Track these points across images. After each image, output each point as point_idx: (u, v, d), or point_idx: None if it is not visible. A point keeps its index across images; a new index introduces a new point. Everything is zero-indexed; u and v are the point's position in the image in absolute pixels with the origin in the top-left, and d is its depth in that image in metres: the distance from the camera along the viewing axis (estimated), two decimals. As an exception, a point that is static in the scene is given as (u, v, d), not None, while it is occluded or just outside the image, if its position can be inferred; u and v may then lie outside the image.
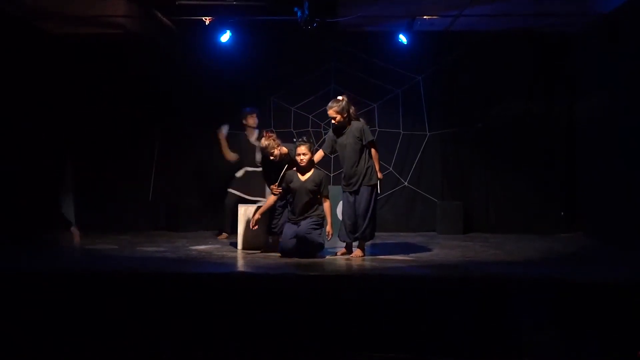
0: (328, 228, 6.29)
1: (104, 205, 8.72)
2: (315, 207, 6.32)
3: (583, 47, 8.48)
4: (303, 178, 6.32)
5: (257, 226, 6.41)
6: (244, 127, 7.97)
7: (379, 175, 6.35)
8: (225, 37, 8.48)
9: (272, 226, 6.64)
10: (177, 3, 7.82)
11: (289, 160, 6.46)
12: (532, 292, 4.84)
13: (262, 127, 7.86)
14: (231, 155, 7.98)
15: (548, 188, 8.77)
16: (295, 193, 6.32)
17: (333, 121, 6.37)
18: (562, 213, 8.72)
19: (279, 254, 6.34)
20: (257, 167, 7.51)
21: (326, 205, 6.32)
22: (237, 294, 4.99)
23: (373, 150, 6.36)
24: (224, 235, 7.93)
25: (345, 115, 6.29)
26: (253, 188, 7.73)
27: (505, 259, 6.32)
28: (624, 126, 7.22)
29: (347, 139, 6.32)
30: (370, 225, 6.32)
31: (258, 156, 7.45)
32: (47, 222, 8.05)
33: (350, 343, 4.75)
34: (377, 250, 6.92)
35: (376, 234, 6.55)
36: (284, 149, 6.47)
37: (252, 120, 7.91)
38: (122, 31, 8.72)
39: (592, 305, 4.70)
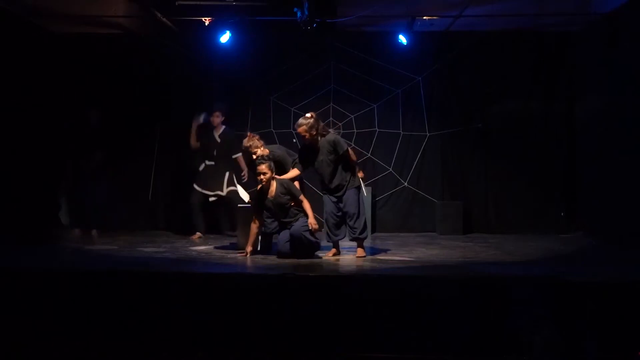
0: (310, 220, 6.16)
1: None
2: (298, 209, 6.29)
3: (583, 46, 8.48)
4: (271, 195, 6.24)
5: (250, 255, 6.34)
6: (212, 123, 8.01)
7: (360, 175, 6.49)
8: (225, 37, 8.48)
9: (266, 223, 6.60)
10: (177, 3, 7.82)
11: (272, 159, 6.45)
12: (532, 292, 4.84)
13: (261, 127, 7.85)
14: (195, 144, 7.99)
15: (548, 188, 8.77)
16: (273, 212, 6.30)
17: (303, 139, 6.40)
18: (562, 213, 8.72)
19: (276, 256, 6.30)
20: (214, 161, 7.86)
21: (304, 203, 6.26)
22: (237, 294, 4.98)
23: (350, 156, 6.43)
24: (197, 235, 7.94)
25: (314, 132, 6.31)
26: (211, 183, 7.86)
27: (505, 259, 6.31)
28: (624, 126, 7.22)
29: (321, 155, 6.35)
30: (363, 222, 6.39)
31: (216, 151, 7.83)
32: (46, 221, 8.05)
33: (350, 343, 4.75)
34: (377, 250, 6.92)
35: (376, 234, 6.56)
36: (266, 150, 6.57)
37: (216, 120, 7.93)
38: (122, 31, 8.73)
39: (592, 305, 4.69)
